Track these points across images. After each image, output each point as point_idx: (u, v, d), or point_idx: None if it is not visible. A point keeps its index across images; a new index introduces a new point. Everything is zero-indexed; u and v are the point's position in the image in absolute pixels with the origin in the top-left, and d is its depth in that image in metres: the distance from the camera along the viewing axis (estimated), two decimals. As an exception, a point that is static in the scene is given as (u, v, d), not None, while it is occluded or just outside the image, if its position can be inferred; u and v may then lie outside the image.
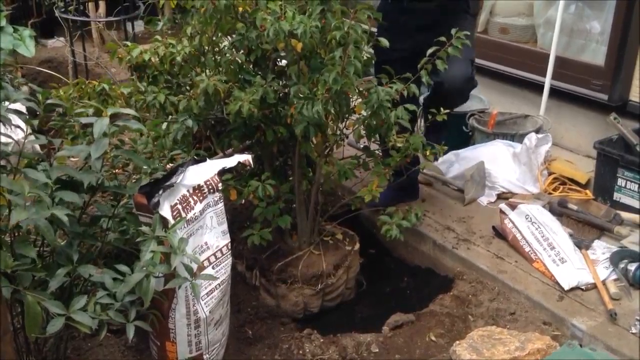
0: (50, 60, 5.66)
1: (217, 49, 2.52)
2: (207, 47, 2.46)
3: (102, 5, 5.82)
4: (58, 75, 4.24)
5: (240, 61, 2.48)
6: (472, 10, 3.02)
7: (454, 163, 3.44)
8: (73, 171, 1.99)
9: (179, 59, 2.41)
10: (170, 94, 2.45)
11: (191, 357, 2.12)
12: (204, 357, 2.16)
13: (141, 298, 1.87)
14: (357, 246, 2.81)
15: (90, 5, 4.54)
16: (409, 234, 3.12)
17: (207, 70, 2.47)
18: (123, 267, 1.92)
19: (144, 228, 1.91)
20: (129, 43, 2.52)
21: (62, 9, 3.72)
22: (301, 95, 2.29)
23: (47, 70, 4.44)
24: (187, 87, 2.49)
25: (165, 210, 1.96)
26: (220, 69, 2.47)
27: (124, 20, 3.80)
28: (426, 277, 3.01)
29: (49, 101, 2.02)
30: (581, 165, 3.59)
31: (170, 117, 2.48)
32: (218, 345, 2.22)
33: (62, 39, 5.82)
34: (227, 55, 2.46)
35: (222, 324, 2.23)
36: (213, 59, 2.47)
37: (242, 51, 2.49)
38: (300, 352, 2.38)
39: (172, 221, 1.95)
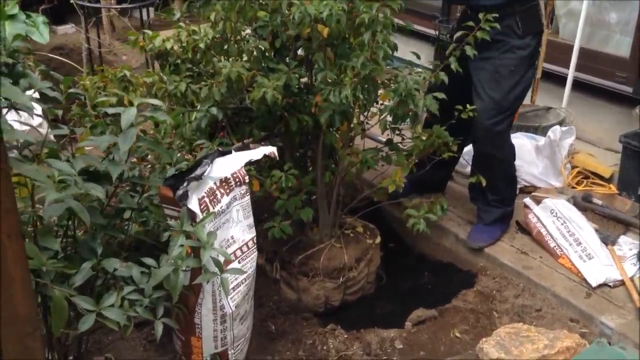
0: (62, 47, 5.61)
1: (239, 36, 2.47)
2: (230, 34, 2.40)
3: (113, -8, 5.78)
4: (71, 62, 4.19)
5: (263, 48, 2.42)
6: (521, 30, 2.57)
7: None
8: (98, 162, 1.95)
9: (202, 45, 2.35)
10: (192, 82, 2.39)
11: (216, 352, 2.09)
12: (229, 352, 2.12)
13: (168, 294, 1.83)
14: (379, 239, 2.77)
15: (102, -8, 4.48)
16: (430, 228, 3.07)
17: (230, 58, 2.41)
18: (149, 261, 1.88)
19: (171, 222, 1.87)
20: (149, 31, 2.46)
21: (78, -4, 3.66)
22: (329, 81, 2.23)
23: (59, 57, 4.38)
24: (209, 76, 2.43)
25: (194, 204, 1.91)
26: (243, 56, 2.41)
27: (140, 8, 3.73)
28: (448, 272, 2.96)
29: (71, 90, 1.97)
30: (604, 159, 3.53)
31: (191, 106, 2.44)
32: (243, 340, 2.18)
33: (72, 25, 5.77)
34: (250, 42, 2.40)
35: (247, 319, 2.19)
36: (236, 46, 2.41)
37: (264, 39, 2.43)
38: (325, 347, 2.35)
39: (200, 215, 1.91)
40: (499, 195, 2.83)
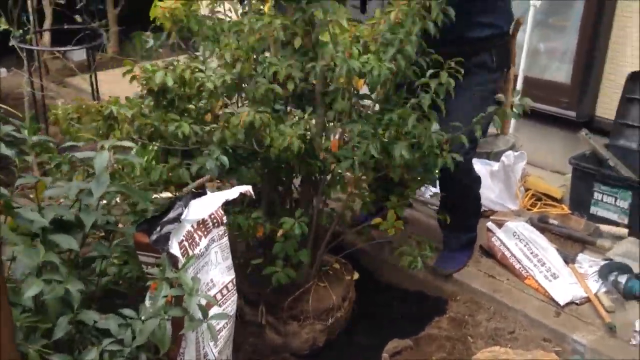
0: (-7, 92, 5.40)
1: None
2: (246, 75, 2.33)
3: (46, 35, 5.65)
4: (8, 108, 4.02)
5: (278, 92, 2.35)
6: (495, 64, 2.69)
7: (433, 182, 3.45)
8: (67, 211, 1.88)
9: (209, 85, 2.27)
10: (193, 123, 2.30)
11: (200, 401, 2.02)
12: (214, 399, 2.06)
13: (149, 343, 1.77)
14: (356, 276, 2.78)
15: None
16: (397, 257, 3.10)
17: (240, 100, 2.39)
18: (128, 311, 1.81)
19: (152, 269, 1.81)
20: (148, 65, 2.38)
21: (19, 39, 3.55)
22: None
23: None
24: (213, 118, 2.35)
25: (175, 248, 1.86)
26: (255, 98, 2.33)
27: (88, 50, 3.65)
28: (417, 300, 2.99)
29: (35, 138, 1.90)
30: (551, 181, 3.67)
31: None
32: (226, 385, 2.13)
33: (5, 69, 5.58)
34: (261, 85, 2.31)
35: (229, 362, 2.14)
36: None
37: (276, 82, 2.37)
38: (307, 385, 2.31)
39: (181, 259, 1.86)
40: (465, 222, 2.90)
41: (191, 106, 2.38)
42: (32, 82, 3.66)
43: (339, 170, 2.37)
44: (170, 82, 2.23)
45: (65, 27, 3.88)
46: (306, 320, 2.54)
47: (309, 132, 2.31)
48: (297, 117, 2.32)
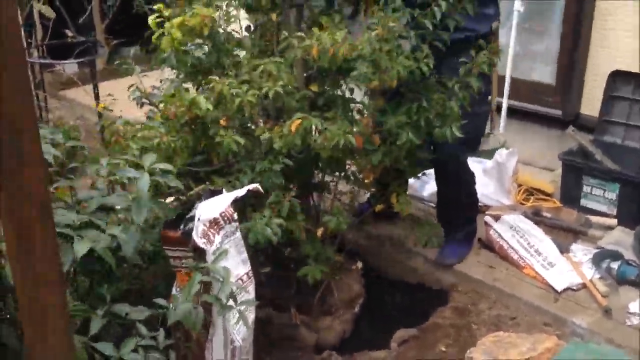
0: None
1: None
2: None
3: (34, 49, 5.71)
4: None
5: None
6: None
7: (428, 181, 3.59)
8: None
9: (251, 99, 2.30)
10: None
11: (226, 387, 2.11)
12: (238, 386, 2.15)
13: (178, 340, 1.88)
14: (360, 264, 2.89)
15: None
16: (398, 251, 3.23)
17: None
18: (161, 301, 1.91)
19: (186, 260, 1.91)
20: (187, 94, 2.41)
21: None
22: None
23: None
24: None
25: (200, 242, 1.96)
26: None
27: (90, 62, 3.73)
28: (420, 293, 3.10)
29: (69, 143, 1.99)
30: (541, 177, 3.83)
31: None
32: (249, 373, 2.22)
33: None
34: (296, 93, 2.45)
35: (251, 351, 2.23)
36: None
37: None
38: (323, 374, 2.41)
39: (209, 252, 1.96)
40: (465, 215, 3.03)
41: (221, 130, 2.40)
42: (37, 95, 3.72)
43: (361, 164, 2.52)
44: (210, 107, 2.29)
45: (69, 40, 3.96)
46: (337, 312, 2.65)
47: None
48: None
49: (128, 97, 2.59)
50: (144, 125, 2.43)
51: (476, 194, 3.11)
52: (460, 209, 3.03)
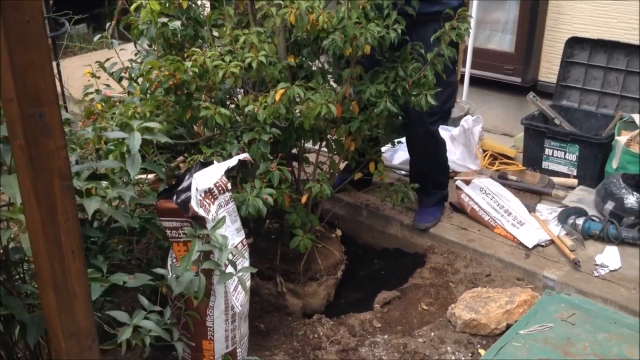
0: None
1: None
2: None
3: None
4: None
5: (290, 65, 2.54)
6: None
7: (398, 150, 3.69)
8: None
9: (234, 69, 2.31)
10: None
11: (227, 352, 2.17)
12: (237, 350, 2.21)
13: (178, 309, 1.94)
14: (339, 232, 2.98)
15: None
16: (375, 219, 3.33)
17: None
18: (161, 270, 1.95)
19: (186, 229, 1.95)
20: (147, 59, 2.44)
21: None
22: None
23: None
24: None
25: (200, 211, 2.00)
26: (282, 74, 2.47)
27: (53, 38, 3.64)
28: (397, 257, 3.23)
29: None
30: (502, 142, 3.99)
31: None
32: (246, 338, 2.28)
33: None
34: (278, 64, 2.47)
35: (247, 318, 2.29)
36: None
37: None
38: (316, 335, 2.50)
39: (208, 219, 2.00)
40: (437, 181, 3.16)
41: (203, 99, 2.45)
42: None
43: (341, 132, 2.59)
44: (196, 70, 2.30)
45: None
46: (321, 278, 2.73)
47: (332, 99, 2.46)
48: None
49: (92, 74, 2.56)
50: (123, 102, 2.42)
51: (447, 160, 3.23)
52: (433, 176, 3.15)
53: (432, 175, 3.16)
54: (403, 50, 2.63)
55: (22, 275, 1.91)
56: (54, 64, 3.75)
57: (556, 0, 3.89)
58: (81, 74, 2.64)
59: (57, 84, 3.82)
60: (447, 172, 3.26)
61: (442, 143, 3.16)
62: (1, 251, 1.73)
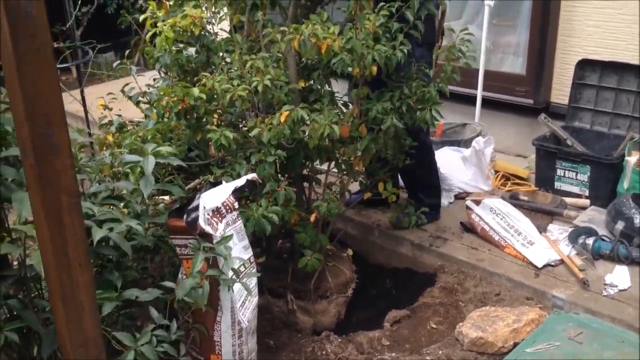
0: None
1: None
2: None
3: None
4: None
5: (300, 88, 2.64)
6: (421, 40, 2.86)
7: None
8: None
9: (241, 92, 2.41)
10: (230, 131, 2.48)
11: (235, 367, 2.23)
12: (245, 366, 2.27)
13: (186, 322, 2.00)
14: (350, 252, 3.03)
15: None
16: (386, 238, 3.38)
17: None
18: (168, 283, 2.02)
19: (192, 241, 2.03)
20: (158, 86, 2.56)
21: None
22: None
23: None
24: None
25: (207, 229, 2.08)
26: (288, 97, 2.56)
27: (78, 65, 3.80)
28: (408, 276, 3.26)
29: (79, 140, 2.09)
30: (515, 163, 4.02)
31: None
32: (254, 353, 2.34)
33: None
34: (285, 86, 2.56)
35: (255, 334, 2.35)
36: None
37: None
38: (323, 352, 2.54)
39: (215, 235, 2.08)
40: (428, 187, 3.33)
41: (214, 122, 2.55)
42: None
43: (349, 152, 2.67)
44: (203, 96, 2.41)
45: (55, 46, 4.01)
46: (332, 296, 2.79)
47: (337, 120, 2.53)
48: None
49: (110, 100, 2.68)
50: (138, 126, 2.54)
51: (435, 164, 3.37)
52: (424, 182, 3.32)
53: (423, 181, 3.30)
54: (408, 71, 2.70)
55: (39, 292, 2.00)
56: (78, 90, 3.90)
57: (567, 23, 3.93)
58: (106, 101, 2.77)
59: (82, 109, 3.99)
60: (436, 177, 3.37)
61: (429, 150, 3.30)
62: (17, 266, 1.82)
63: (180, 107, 2.40)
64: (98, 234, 1.78)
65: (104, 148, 2.50)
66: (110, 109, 2.54)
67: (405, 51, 2.54)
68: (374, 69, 2.47)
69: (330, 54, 2.42)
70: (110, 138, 2.53)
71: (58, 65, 4.10)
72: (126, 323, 2.18)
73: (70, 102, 3.77)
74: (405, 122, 2.71)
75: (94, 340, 1.60)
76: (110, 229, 1.82)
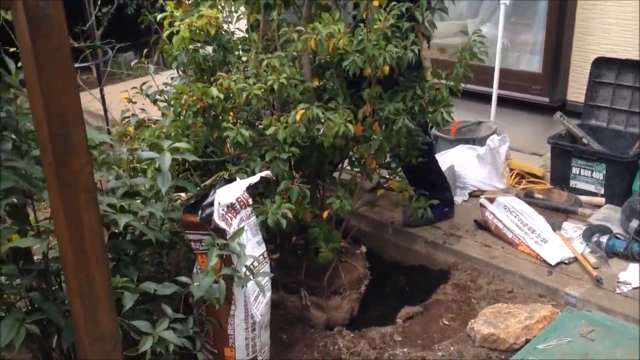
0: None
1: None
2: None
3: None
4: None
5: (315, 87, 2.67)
6: None
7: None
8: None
9: (257, 91, 2.45)
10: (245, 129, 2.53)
11: (248, 359, 2.27)
12: (258, 358, 2.31)
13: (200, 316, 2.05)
14: (364, 249, 3.06)
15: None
16: (400, 236, 3.40)
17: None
18: (184, 278, 2.07)
19: (206, 238, 2.07)
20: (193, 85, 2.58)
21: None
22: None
23: None
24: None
25: (222, 224, 2.12)
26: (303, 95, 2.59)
27: (97, 65, 3.88)
28: (421, 273, 3.28)
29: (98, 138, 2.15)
30: (530, 162, 4.01)
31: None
32: (267, 347, 2.38)
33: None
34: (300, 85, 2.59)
35: (268, 328, 2.39)
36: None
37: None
38: (336, 347, 2.58)
39: (229, 231, 2.12)
40: (431, 183, 3.30)
41: (230, 121, 2.59)
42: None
43: (362, 151, 2.69)
44: (221, 96, 2.46)
45: (76, 45, 4.10)
46: (345, 292, 2.82)
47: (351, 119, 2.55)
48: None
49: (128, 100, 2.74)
50: (157, 125, 2.59)
51: (437, 162, 3.37)
52: (427, 178, 3.30)
53: (426, 178, 3.29)
54: (420, 71, 2.73)
55: (60, 284, 2.06)
56: (98, 89, 3.99)
57: (583, 21, 3.92)
58: (130, 94, 2.83)
59: (102, 108, 4.07)
60: (439, 172, 3.36)
61: (430, 143, 3.28)
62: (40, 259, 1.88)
63: (199, 106, 2.46)
64: (122, 219, 1.83)
65: (123, 140, 2.56)
66: (135, 102, 2.61)
67: (417, 51, 2.56)
68: (386, 68, 2.49)
69: (337, 52, 2.45)
70: (130, 130, 2.59)
71: (78, 65, 4.20)
72: (143, 317, 2.24)
73: (90, 100, 3.87)
74: (418, 121, 2.74)
75: (110, 335, 1.65)
76: (135, 214, 1.88)
